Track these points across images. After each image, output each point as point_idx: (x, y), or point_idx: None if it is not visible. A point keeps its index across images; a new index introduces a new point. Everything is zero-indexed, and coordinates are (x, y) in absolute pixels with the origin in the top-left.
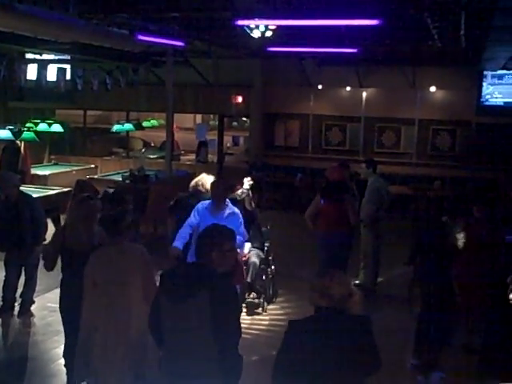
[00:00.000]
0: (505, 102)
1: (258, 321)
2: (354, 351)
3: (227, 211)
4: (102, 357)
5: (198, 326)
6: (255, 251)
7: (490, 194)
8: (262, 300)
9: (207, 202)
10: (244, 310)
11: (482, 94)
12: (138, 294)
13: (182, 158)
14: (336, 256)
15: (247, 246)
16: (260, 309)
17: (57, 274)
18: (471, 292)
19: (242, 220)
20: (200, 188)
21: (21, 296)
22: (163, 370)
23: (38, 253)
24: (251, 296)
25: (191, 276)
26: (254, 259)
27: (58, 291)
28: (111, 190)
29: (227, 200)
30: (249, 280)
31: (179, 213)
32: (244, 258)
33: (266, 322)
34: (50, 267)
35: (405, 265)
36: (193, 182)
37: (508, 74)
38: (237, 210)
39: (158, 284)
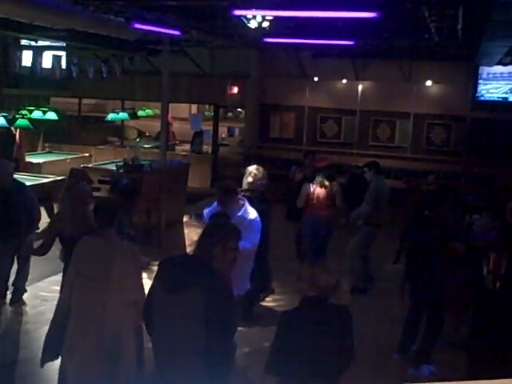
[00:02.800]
0: (500, 98)
1: None
2: (337, 340)
3: (238, 213)
4: (70, 347)
5: (188, 320)
6: None
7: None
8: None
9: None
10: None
11: (478, 89)
12: (120, 294)
13: (176, 148)
14: (320, 240)
15: None
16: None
17: (49, 262)
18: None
19: (253, 226)
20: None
21: (13, 284)
22: (154, 360)
23: (32, 241)
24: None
25: (189, 268)
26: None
27: (50, 280)
28: (124, 181)
29: (242, 201)
30: None
31: None
32: None
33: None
34: (41, 253)
35: (394, 263)
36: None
37: (503, 70)
38: (250, 216)
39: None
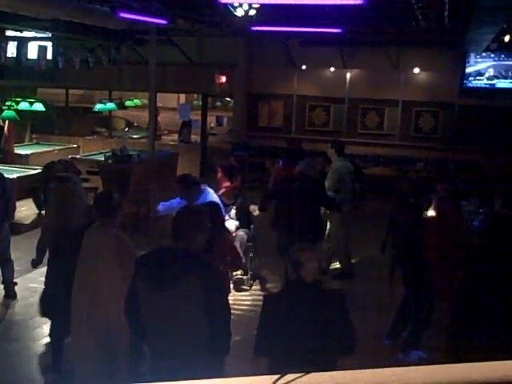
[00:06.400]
0: (487, 84)
1: (241, 301)
2: (327, 324)
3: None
4: (73, 335)
5: (187, 311)
6: (242, 230)
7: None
8: (248, 276)
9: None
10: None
11: (465, 75)
12: (108, 284)
13: (165, 137)
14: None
15: (234, 223)
16: (246, 285)
17: None
18: (440, 268)
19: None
20: None
21: (2, 282)
22: (151, 356)
23: (8, 231)
24: (239, 273)
25: (176, 261)
26: (242, 236)
27: (39, 271)
28: None
29: (202, 187)
30: None
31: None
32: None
33: (249, 302)
34: (43, 250)
35: (382, 251)
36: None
37: (490, 56)
38: (212, 199)
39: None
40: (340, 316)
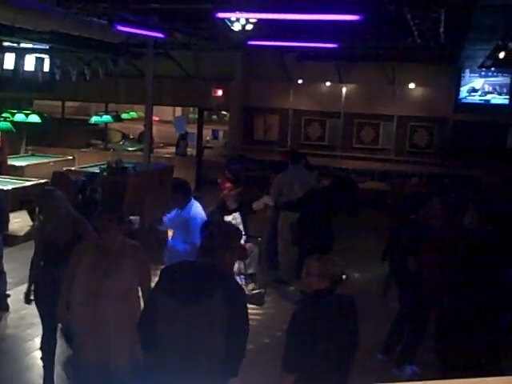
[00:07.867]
0: (482, 100)
1: None
2: (350, 330)
3: (190, 211)
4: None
5: (208, 328)
6: (251, 243)
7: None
8: (263, 290)
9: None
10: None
11: (460, 91)
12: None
13: (159, 150)
14: None
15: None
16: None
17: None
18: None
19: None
20: None
21: None
22: (158, 371)
23: (1, 243)
24: (253, 287)
25: (202, 277)
26: (256, 250)
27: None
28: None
29: (188, 201)
30: (253, 271)
31: None
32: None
33: None
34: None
35: (382, 261)
36: None
37: (485, 72)
38: (193, 214)
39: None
40: (354, 322)
